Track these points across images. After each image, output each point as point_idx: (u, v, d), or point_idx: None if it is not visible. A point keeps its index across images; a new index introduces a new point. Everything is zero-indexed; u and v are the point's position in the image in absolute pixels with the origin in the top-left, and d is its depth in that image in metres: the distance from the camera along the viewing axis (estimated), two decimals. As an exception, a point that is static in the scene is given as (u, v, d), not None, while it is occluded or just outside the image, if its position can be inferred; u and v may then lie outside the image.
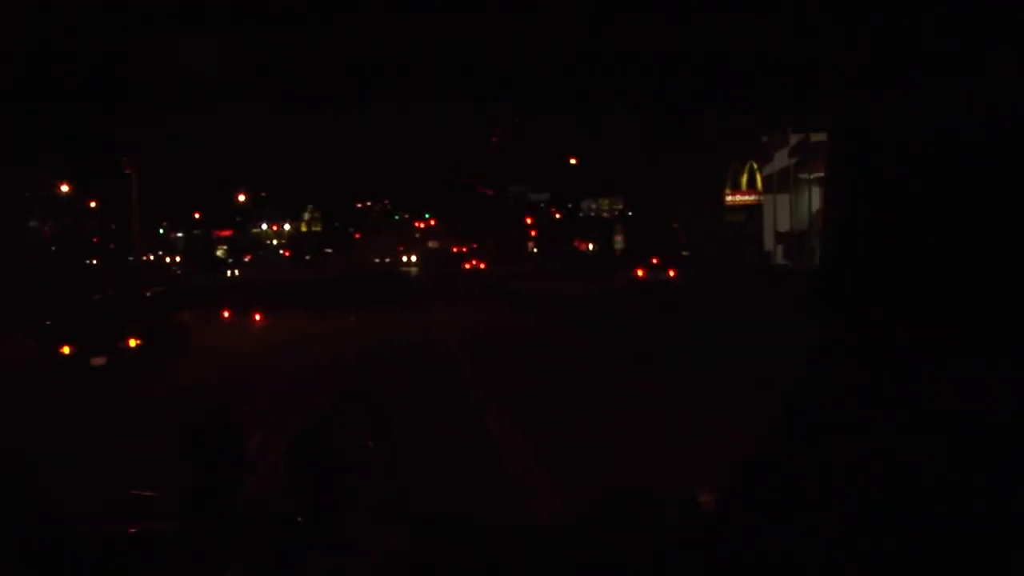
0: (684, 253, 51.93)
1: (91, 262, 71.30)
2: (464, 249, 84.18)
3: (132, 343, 15.18)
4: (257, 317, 25.44)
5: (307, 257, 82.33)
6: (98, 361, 14.82)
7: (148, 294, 16.78)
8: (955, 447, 0.62)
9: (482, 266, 64.00)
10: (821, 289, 0.83)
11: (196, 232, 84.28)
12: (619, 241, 49.45)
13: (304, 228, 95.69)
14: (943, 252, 0.67)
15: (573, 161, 48.72)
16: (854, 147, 0.84)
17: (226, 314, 26.82)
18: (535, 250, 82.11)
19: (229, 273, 55.17)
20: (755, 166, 49.38)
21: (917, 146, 0.73)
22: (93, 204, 66.13)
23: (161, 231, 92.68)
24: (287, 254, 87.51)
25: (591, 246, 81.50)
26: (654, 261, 38.30)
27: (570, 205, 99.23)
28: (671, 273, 36.56)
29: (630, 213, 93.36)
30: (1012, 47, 0.67)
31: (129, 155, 38.19)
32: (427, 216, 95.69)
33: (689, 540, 1.11)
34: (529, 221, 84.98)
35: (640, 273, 37.18)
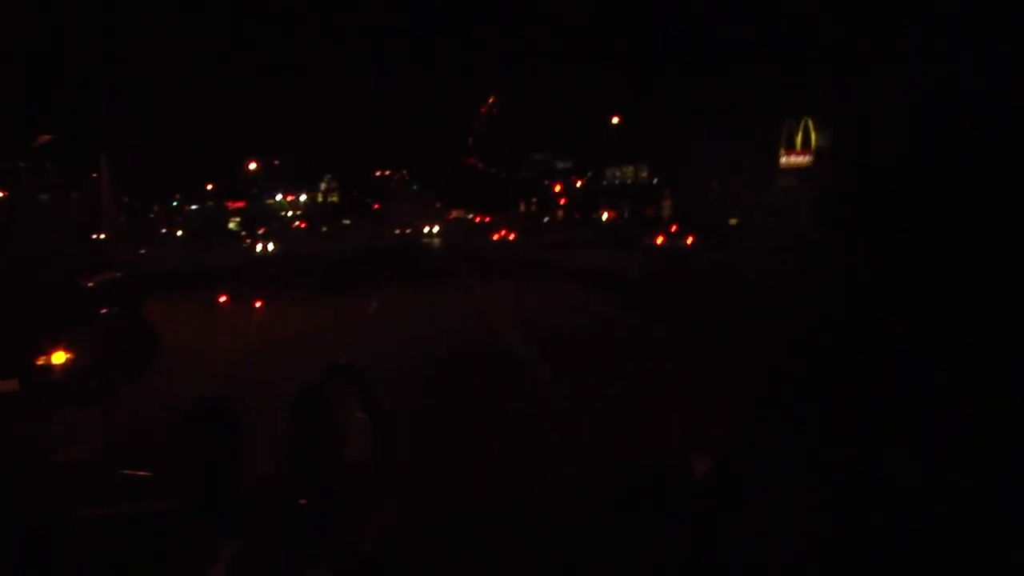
0: (732, 221, 46.90)
1: (99, 237, 67.41)
2: (488, 219, 79.65)
3: (58, 358, 10.25)
4: (258, 304, 20.56)
5: (324, 228, 77.59)
6: (7, 386, 9.92)
7: (91, 284, 11.62)
8: (950, 443, 0.60)
9: (511, 236, 59.19)
10: (812, 277, 0.78)
11: (209, 204, 79.30)
12: (667, 208, 44.37)
13: (320, 198, 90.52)
14: (936, 247, 0.64)
15: (616, 120, 43.68)
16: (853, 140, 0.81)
17: (223, 299, 21.99)
18: (560, 218, 77.03)
19: (260, 247, 49.37)
20: (811, 124, 44.11)
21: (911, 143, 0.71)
22: (95, 175, 61.94)
23: (175, 203, 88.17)
24: (303, 226, 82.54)
25: (617, 214, 76.94)
26: (673, 229, 39.39)
27: (589, 173, 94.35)
28: (688, 241, 37.35)
29: (655, 181, 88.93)
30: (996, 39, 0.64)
31: (91, 132, 33.52)
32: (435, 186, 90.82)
33: (683, 508, 1.13)
34: (558, 188, 79.81)
35: (660, 240, 38.24)
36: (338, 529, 1.70)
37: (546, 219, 78.21)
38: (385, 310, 19.34)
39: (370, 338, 14.68)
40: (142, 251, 18.82)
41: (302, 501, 1.73)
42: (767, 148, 46.02)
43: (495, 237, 60.08)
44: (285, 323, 17.69)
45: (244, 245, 52.39)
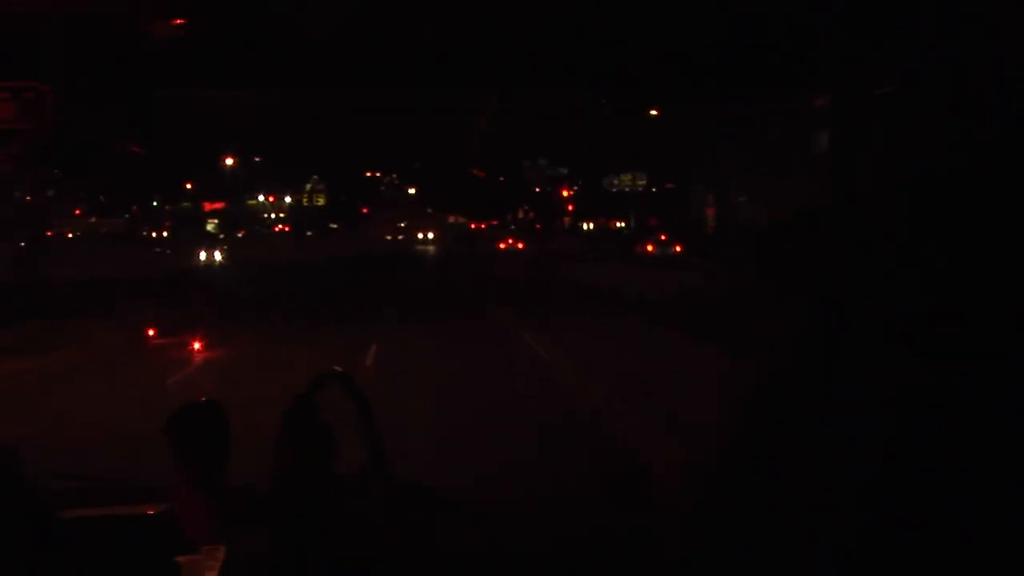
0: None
1: (70, 236, 61.84)
2: (483, 226, 73.03)
3: None
4: (196, 345, 13.28)
5: (309, 233, 70.26)
6: None
7: None
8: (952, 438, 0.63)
9: (520, 245, 52.35)
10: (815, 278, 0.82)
11: (185, 204, 71.49)
12: (710, 217, 37.39)
13: (306, 200, 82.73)
14: (938, 246, 0.66)
15: (654, 112, 36.92)
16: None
17: (151, 332, 14.74)
18: (567, 226, 70.52)
19: (204, 256, 40.80)
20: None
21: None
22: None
23: (155, 203, 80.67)
24: (287, 229, 74.90)
25: (621, 224, 71.01)
26: (662, 237, 39.63)
27: (580, 182, 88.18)
28: (677, 248, 37.30)
29: (654, 189, 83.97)
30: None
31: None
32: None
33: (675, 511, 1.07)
34: (565, 194, 73.11)
35: (650, 248, 38.30)
36: (328, 526, 1.63)
37: (512, 227, 71.97)
38: (388, 361, 12.09)
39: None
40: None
41: (288, 496, 1.64)
42: (784, 157, 39.72)
43: (502, 246, 53.08)
44: (226, 385, 10.44)
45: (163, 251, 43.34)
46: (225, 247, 43.14)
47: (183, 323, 15.23)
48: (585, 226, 72.36)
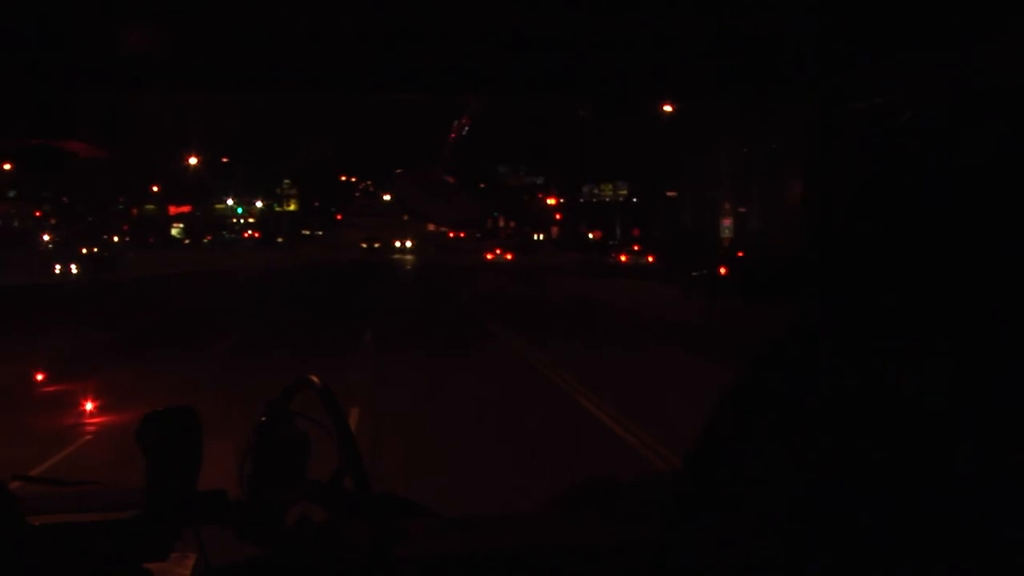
0: (740, 254, 36.39)
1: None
2: (462, 235, 69.18)
3: None
4: (89, 405, 9.12)
5: (280, 239, 65.96)
6: None
7: None
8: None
9: (508, 256, 48.58)
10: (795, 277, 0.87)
11: (148, 207, 66.66)
12: (727, 228, 33.39)
13: (277, 206, 78.16)
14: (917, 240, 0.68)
15: (669, 108, 33.46)
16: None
17: (39, 377, 10.60)
18: (556, 236, 67.14)
19: (73, 269, 33.53)
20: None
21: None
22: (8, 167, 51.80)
23: (121, 206, 76.08)
24: (257, 235, 70.34)
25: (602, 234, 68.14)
26: (635, 248, 40.38)
27: (554, 190, 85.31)
28: (650, 259, 37.49)
29: (635, 200, 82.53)
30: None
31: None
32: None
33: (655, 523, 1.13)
34: (553, 202, 69.45)
35: (623, 258, 38.77)
36: (303, 539, 1.63)
37: (478, 235, 68.78)
38: (382, 444, 7.82)
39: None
40: None
41: (261, 508, 1.62)
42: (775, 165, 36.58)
43: (489, 256, 49.23)
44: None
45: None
46: (84, 258, 36.28)
47: (88, 356, 11.20)
48: (536, 236, 69.54)
